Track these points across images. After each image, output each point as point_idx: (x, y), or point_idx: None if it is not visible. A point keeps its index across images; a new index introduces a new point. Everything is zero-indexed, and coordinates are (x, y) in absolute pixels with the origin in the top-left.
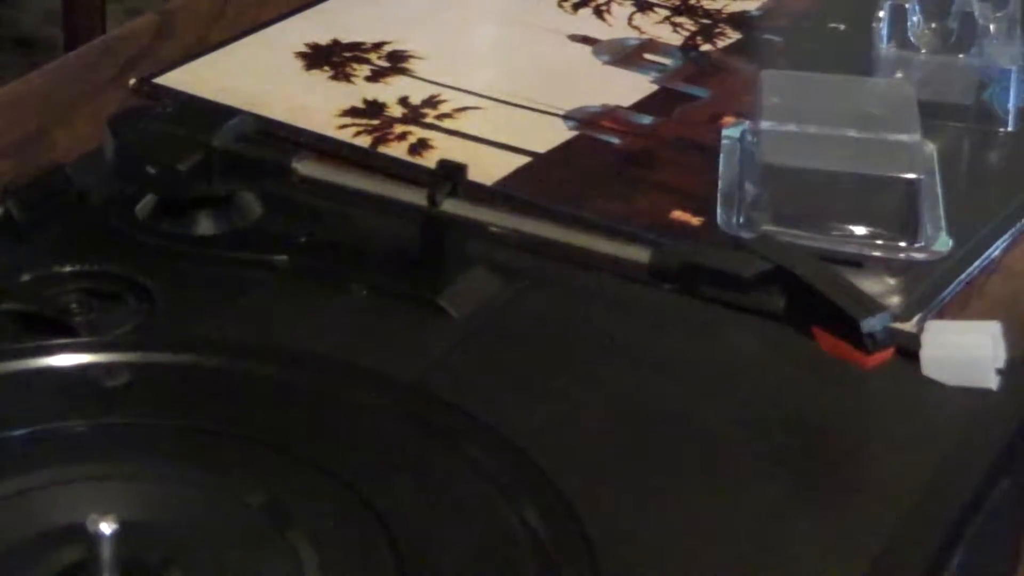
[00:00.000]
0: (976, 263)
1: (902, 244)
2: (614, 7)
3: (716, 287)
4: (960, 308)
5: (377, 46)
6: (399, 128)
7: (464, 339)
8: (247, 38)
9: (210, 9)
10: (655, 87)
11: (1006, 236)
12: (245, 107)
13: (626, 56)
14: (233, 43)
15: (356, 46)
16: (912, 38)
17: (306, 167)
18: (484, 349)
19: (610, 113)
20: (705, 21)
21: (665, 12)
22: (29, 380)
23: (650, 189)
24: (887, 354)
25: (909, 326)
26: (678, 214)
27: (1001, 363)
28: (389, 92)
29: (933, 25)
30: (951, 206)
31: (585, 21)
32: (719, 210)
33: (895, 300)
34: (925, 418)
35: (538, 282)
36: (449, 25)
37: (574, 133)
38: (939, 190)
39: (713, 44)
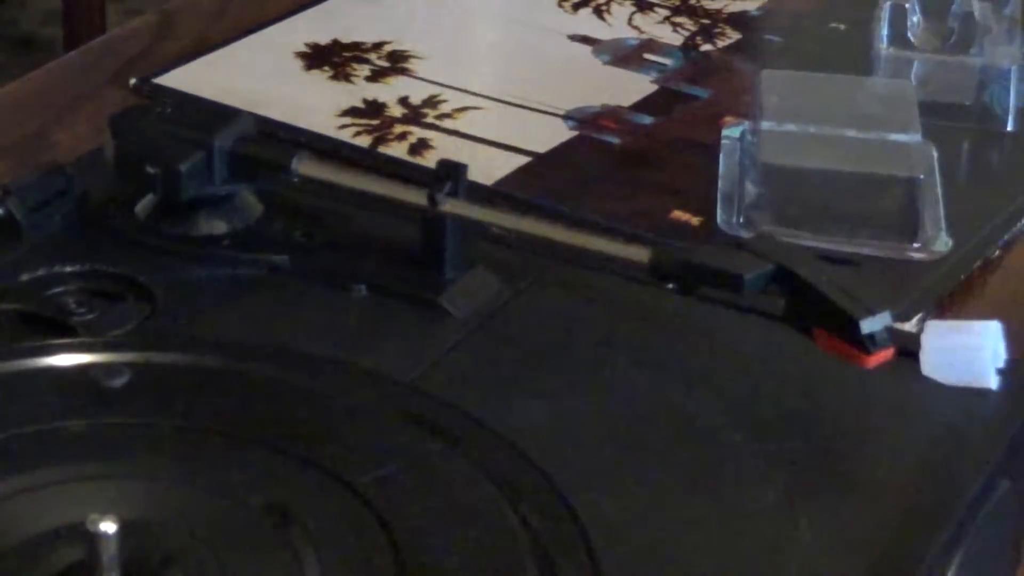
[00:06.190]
0: (976, 263)
1: (902, 244)
2: (614, 7)
3: (716, 287)
4: (960, 308)
5: (377, 46)
6: (399, 128)
7: (464, 339)
8: (247, 38)
9: (210, 9)
10: (655, 87)
11: (1006, 236)
12: (245, 107)
13: (626, 56)
14: (233, 43)
15: (356, 46)
16: (912, 38)
17: (306, 167)
18: (484, 349)
19: (610, 113)
20: (705, 21)
21: (665, 12)
22: (29, 380)
23: (650, 189)
24: (887, 354)
25: (909, 326)
26: (678, 214)
27: (1001, 363)
28: (389, 92)
29: (933, 25)
30: (951, 206)
31: (585, 21)
32: (719, 210)
33: (895, 300)
34: (925, 418)
35: (538, 282)
36: (449, 25)
37: (574, 133)
38: (939, 190)
39: (713, 44)
